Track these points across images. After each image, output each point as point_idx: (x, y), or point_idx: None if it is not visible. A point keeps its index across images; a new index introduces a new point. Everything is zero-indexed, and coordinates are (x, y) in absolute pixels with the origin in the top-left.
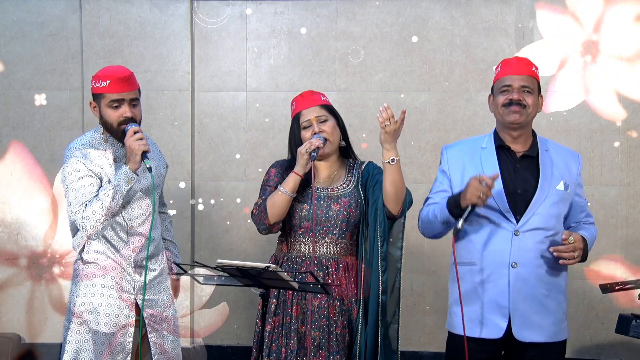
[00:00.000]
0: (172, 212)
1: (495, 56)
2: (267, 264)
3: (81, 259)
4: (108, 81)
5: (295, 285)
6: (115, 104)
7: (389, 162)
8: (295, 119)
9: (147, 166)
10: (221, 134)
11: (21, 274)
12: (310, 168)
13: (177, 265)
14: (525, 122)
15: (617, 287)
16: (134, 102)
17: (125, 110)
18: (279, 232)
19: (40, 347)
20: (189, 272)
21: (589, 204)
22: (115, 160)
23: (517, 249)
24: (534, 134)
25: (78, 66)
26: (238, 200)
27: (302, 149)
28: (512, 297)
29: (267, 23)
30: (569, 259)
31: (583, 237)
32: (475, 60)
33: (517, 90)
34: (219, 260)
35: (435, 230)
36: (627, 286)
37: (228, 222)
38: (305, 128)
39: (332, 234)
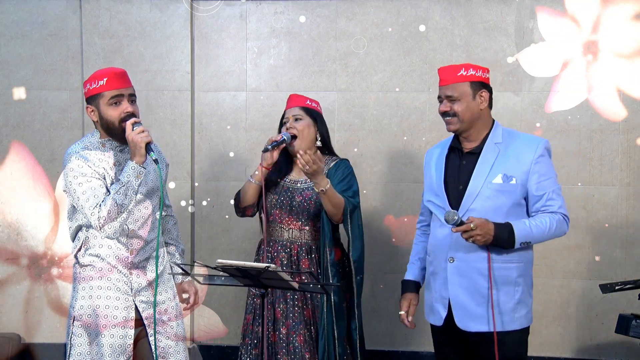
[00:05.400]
0: None
1: (495, 56)
2: (267, 264)
3: (78, 262)
4: (105, 79)
5: (295, 285)
6: (115, 101)
7: (321, 192)
8: (282, 116)
9: (153, 158)
10: (221, 134)
11: (21, 274)
12: (277, 161)
13: (178, 265)
14: (463, 126)
15: (617, 287)
16: (133, 98)
17: (126, 106)
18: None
19: (40, 347)
20: (189, 272)
21: (554, 190)
22: (114, 164)
23: (454, 244)
24: (493, 126)
25: (78, 66)
26: (231, 202)
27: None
28: (451, 290)
29: (267, 23)
30: (467, 238)
31: (494, 223)
32: (475, 60)
33: (444, 102)
34: (219, 260)
35: None
36: (627, 286)
37: (228, 222)
38: (284, 124)
39: (296, 222)
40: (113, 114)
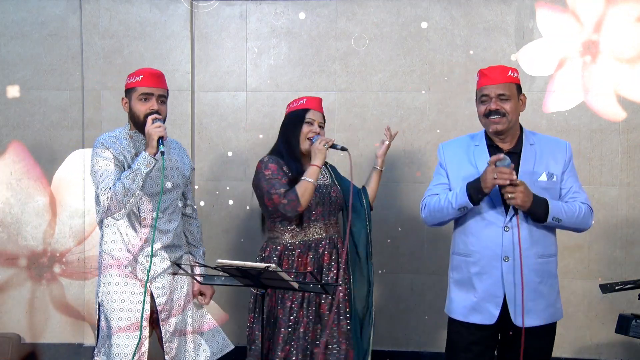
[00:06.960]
0: None
1: (495, 56)
2: (267, 264)
3: (102, 250)
4: (141, 76)
5: (295, 285)
6: (145, 97)
7: (382, 169)
8: (302, 112)
9: (161, 150)
10: (221, 134)
11: (21, 274)
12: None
13: (177, 265)
14: (508, 126)
15: (617, 287)
16: (162, 99)
17: (152, 104)
18: (274, 225)
19: (40, 347)
20: (189, 272)
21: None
22: (136, 155)
23: (508, 244)
24: (521, 128)
25: (78, 66)
26: (230, 202)
27: (319, 146)
28: (507, 288)
29: (267, 23)
30: (508, 194)
31: (534, 194)
32: (475, 60)
33: (495, 100)
34: (219, 260)
35: (445, 217)
36: (627, 286)
37: (228, 222)
38: (308, 123)
39: (334, 216)
40: (140, 108)
